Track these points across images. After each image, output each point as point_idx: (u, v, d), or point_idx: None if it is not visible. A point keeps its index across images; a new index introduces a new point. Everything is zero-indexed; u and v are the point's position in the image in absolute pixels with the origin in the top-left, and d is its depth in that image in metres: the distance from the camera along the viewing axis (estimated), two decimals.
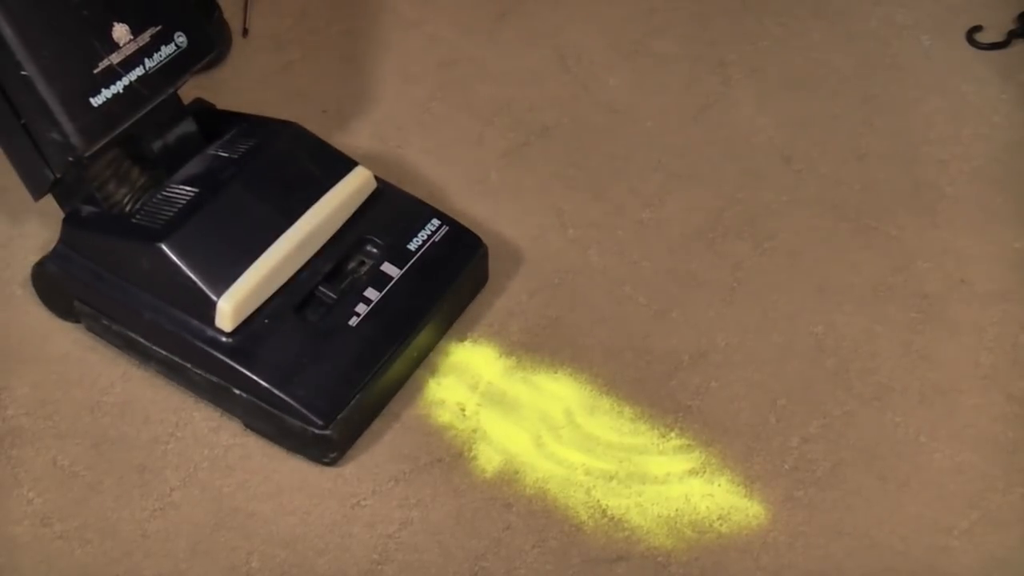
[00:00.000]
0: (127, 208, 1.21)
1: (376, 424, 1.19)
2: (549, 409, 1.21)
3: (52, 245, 1.24)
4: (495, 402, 1.21)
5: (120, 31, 1.15)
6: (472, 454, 1.17)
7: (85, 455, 1.17)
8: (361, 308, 1.18)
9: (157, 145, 1.23)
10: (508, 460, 1.16)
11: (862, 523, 1.11)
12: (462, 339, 1.27)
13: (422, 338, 1.21)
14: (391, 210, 1.27)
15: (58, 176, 1.16)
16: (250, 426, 1.17)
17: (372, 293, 1.19)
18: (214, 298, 1.13)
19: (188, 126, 1.25)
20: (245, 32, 1.62)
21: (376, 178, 1.28)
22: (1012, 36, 1.63)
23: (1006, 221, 1.40)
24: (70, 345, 1.26)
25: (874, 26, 1.69)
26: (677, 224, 1.40)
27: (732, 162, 1.48)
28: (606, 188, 1.44)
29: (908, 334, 1.28)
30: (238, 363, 1.13)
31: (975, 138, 1.51)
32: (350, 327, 1.17)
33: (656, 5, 1.71)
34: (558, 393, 1.22)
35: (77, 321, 1.25)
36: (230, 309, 1.13)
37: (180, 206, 1.18)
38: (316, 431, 1.12)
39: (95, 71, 1.13)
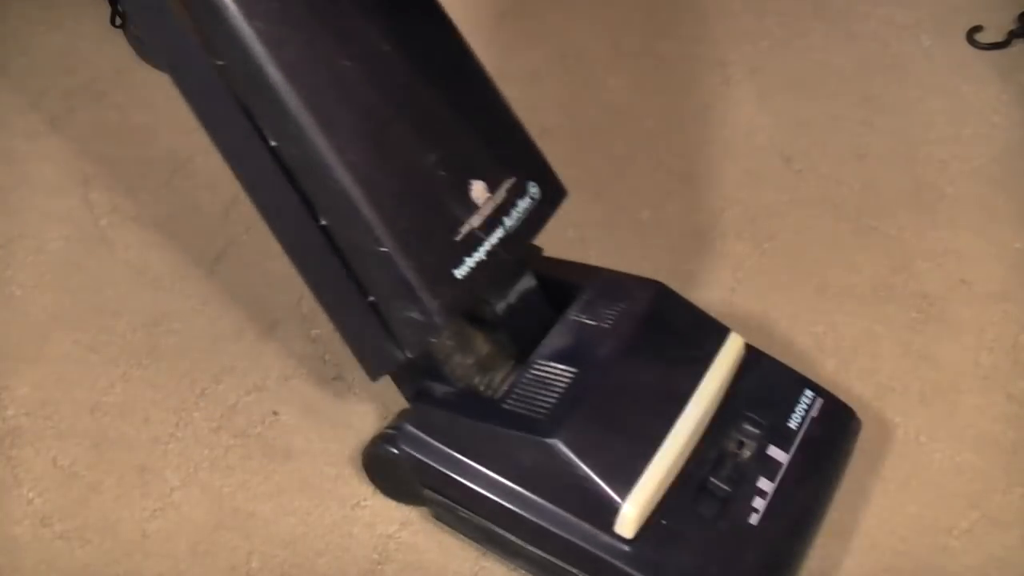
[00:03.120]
0: (478, 383, 1.06)
1: (377, 424, 1.19)
2: None
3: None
4: None
5: (478, 189, 0.99)
6: None
7: (85, 455, 1.17)
8: (758, 502, 1.01)
9: (500, 307, 1.07)
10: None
11: (862, 523, 1.11)
12: None
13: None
14: (764, 381, 1.10)
15: (410, 356, 1.00)
16: None
17: (765, 484, 1.03)
18: (618, 501, 0.95)
19: (528, 282, 1.10)
20: None
21: (750, 349, 1.12)
22: (1012, 36, 1.63)
23: (1006, 221, 1.40)
24: (70, 345, 1.26)
25: (874, 26, 1.69)
26: (677, 224, 1.40)
27: (732, 162, 1.49)
28: (606, 188, 1.44)
29: (908, 334, 1.28)
30: (642, 572, 0.97)
31: (975, 138, 1.52)
32: (752, 526, 1.00)
33: (656, 5, 1.71)
34: None
35: (421, 505, 1.11)
36: (635, 513, 0.95)
37: (560, 390, 1.00)
38: None
39: (456, 238, 0.97)
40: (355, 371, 1.21)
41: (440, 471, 1.03)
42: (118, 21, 1.69)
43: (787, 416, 1.08)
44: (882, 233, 1.39)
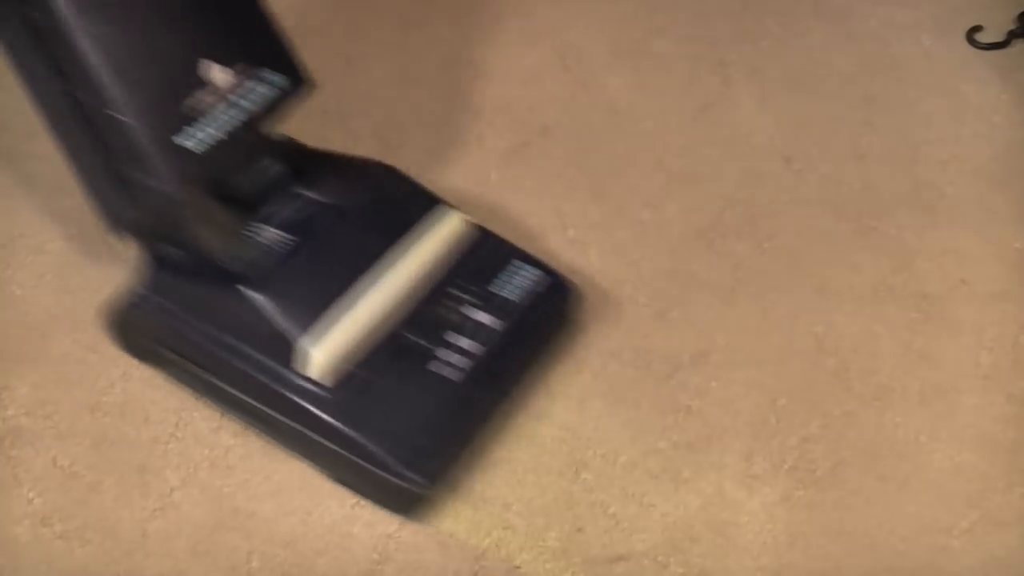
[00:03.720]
0: (213, 251, 1.15)
1: None
2: (548, 410, 1.21)
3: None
4: None
5: (213, 70, 1.08)
6: (471, 453, 1.17)
7: (85, 455, 1.17)
8: (461, 361, 1.13)
9: (242, 184, 1.16)
10: (507, 459, 1.16)
11: (862, 523, 1.11)
12: None
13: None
14: (479, 254, 1.22)
15: (146, 219, 1.12)
16: (337, 478, 1.13)
17: (471, 345, 1.14)
18: (308, 348, 1.08)
19: (274, 164, 1.19)
20: None
21: (472, 226, 1.24)
22: (1012, 36, 1.63)
23: (1006, 221, 1.40)
24: (70, 345, 1.26)
25: (874, 26, 1.69)
26: (677, 224, 1.40)
27: (732, 162, 1.48)
28: (606, 188, 1.45)
29: (908, 334, 1.28)
30: (335, 418, 1.08)
31: (975, 138, 1.52)
32: (453, 382, 1.12)
33: (656, 5, 1.71)
34: (557, 393, 1.22)
35: (153, 363, 1.22)
36: (323, 358, 1.08)
37: (265, 248, 1.13)
38: (416, 490, 1.08)
39: (188, 113, 1.06)
40: None
41: (167, 329, 1.16)
42: None
43: (500, 285, 1.19)
44: (882, 233, 1.39)
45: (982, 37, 1.64)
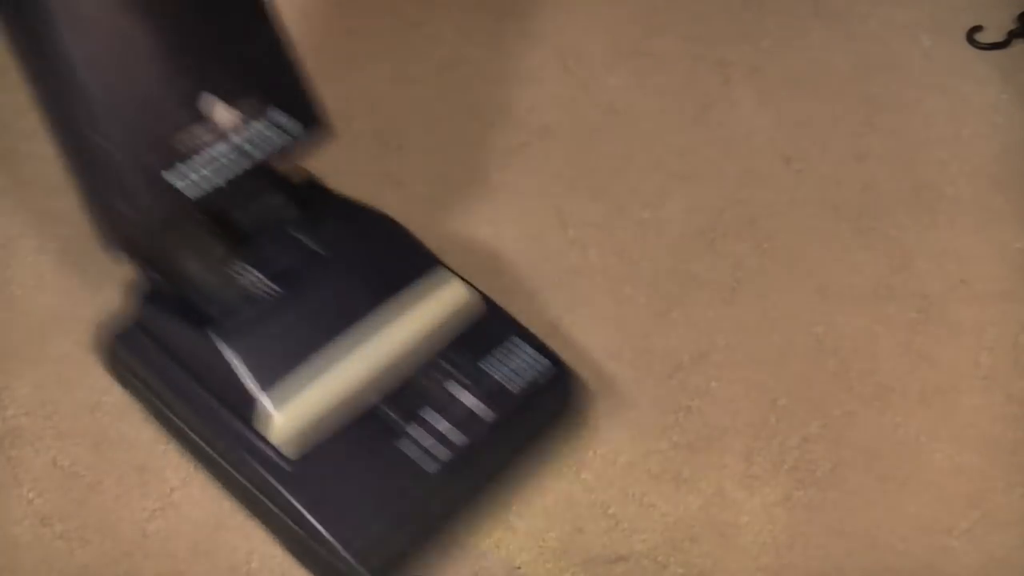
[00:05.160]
0: (193, 286, 1.08)
1: None
2: None
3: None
4: None
5: (213, 105, 1.01)
6: None
7: (85, 455, 1.17)
8: (439, 450, 1.02)
9: (242, 218, 1.09)
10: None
11: (862, 523, 1.11)
12: None
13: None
14: (475, 325, 1.11)
15: (126, 247, 1.06)
16: (286, 548, 1.06)
17: (453, 433, 1.03)
18: (271, 409, 1.00)
19: (279, 202, 1.11)
20: None
21: (474, 294, 1.13)
22: (1012, 36, 1.63)
23: (1006, 221, 1.40)
24: (70, 345, 1.26)
25: (874, 26, 1.69)
26: (677, 224, 1.40)
27: (732, 162, 1.49)
28: (606, 188, 1.45)
29: (908, 334, 1.28)
30: (288, 490, 1.00)
31: (975, 138, 1.52)
32: (426, 472, 1.01)
33: (656, 5, 1.71)
34: None
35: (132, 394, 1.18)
36: (286, 424, 1.00)
37: (246, 294, 1.06)
38: None
39: (177, 146, 1.00)
40: None
41: (146, 366, 1.11)
42: None
43: (495, 366, 1.07)
44: (882, 233, 1.39)
45: (982, 37, 1.64)
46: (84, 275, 1.32)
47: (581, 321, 1.28)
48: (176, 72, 1.00)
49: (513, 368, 1.08)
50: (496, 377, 1.07)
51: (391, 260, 1.12)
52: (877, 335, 1.28)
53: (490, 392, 1.06)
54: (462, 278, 1.13)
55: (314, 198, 1.15)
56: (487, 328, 1.11)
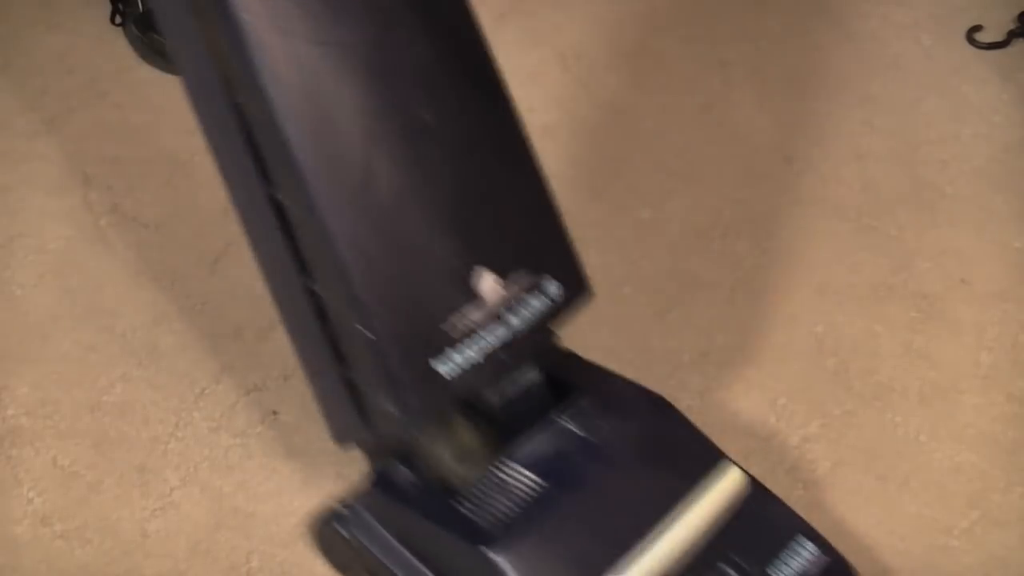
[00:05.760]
0: (452, 480, 0.95)
1: None
2: None
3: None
4: None
5: (487, 282, 0.87)
6: None
7: (85, 455, 1.17)
8: None
9: (497, 400, 0.95)
10: None
11: (862, 523, 1.11)
12: None
13: None
14: (759, 523, 0.97)
15: (376, 437, 0.93)
16: None
17: None
18: None
19: (536, 378, 0.97)
20: None
21: (757, 487, 1.00)
22: (1012, 36, 1.63)
23: (1006, 221, 1.40)
24: (70, 345, 1.26)
25: (874, 26, 1.69)
26: (677, 224, 1.40)
27: (732, 162, 1.48)
28: (606, 187, 1.44)
29: (908, 334, 1.28)
30: None
31: (975, 138, 1.52)
32: None
33: (656, 4, 1.71)
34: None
35: None
36: None
37: (520, 500, 0.91)
38: None
39: (451, 335, 0.86)
40: None
41: (381, 561, 0.97)
42: (118, 20, 1.69)
43: (782, 569, 0.95)
44: (882, 233, 1.39)
45: (982, 37, 1.64)
46: (84, 275, 1.32)
47: (581, 321, 1.28)
48: (447, 246, 0.86)
49: (797, 569, 0.96)
50: (771, 569, 0.95)
51: (667, 448, 0.99)
52: (877, 335, 1.28)
53: None
54: (743, 469, 0.99)
55: (574, 374, 1.02)
56: (774, 524, 0.98)
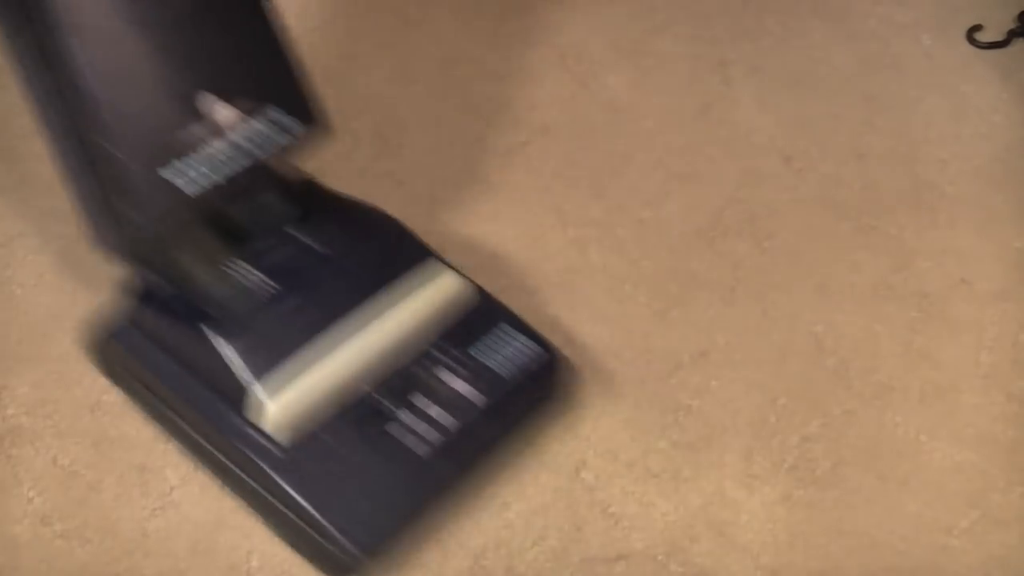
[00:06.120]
0: (190, 283, 1.11)
1: None
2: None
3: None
4: None
5: (208, 102, 1.02)
6: None
7: (85, 454, 1.17)
8: (430, 433, 1.05)
9: (240, 217, 1.11)
10: (506, 458, 1.16)
11: (862, 523, 1.11)
12: None
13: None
14: (467, 314, 1.14)
15: (121, 246, 1.08)
16: (276, 533, 1.09)
17: (444, 417, 1.06)
18: (263, 398, 1.03)
19: (276, 200, 1.14)
20: None
21: (466, 284, 1.16)
22: (1012, 35, 1.63)
23: (1006, 221, 1.40)
24: (70, 345, 1.26)
25: (874, 26, 1.69)
26: (677, 223, 1.40)
27: (732, 161, 1.49)
28: (606, 187, 1.45)
29: (908, 334, 1.28)
30: (279, 475, 1.03)
31: (975, 137, 1.52)
32: (416, 455, 1.04)
33: (656, 4, 1.71)
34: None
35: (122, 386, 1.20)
36: (278, 413, 1.03)
37: (243, 290, 1.08)
38: (350, 561, 1.03)
39: (174, 142, 1.01)
40: None
41: (140, 364, 1.13)
42: None
43: (486, 353, 1.10)
44: (882, 232, 1.39)
45: (982, 36, 1.64)
46: (83, 275, 1.32)
47: (581, 320, 1.28)
48: (174, 71, 1.01)
49: (504, 354, 1.11)
50: (486, 363, 1.10)
51: (385, 253, 1.15)
52: (877, 334, 1.28)
53: (480, 377, 1.09)
54: (455, 268, 1.16)
55: (311, 196, 1.17)
56: (478, 317, 1.14)
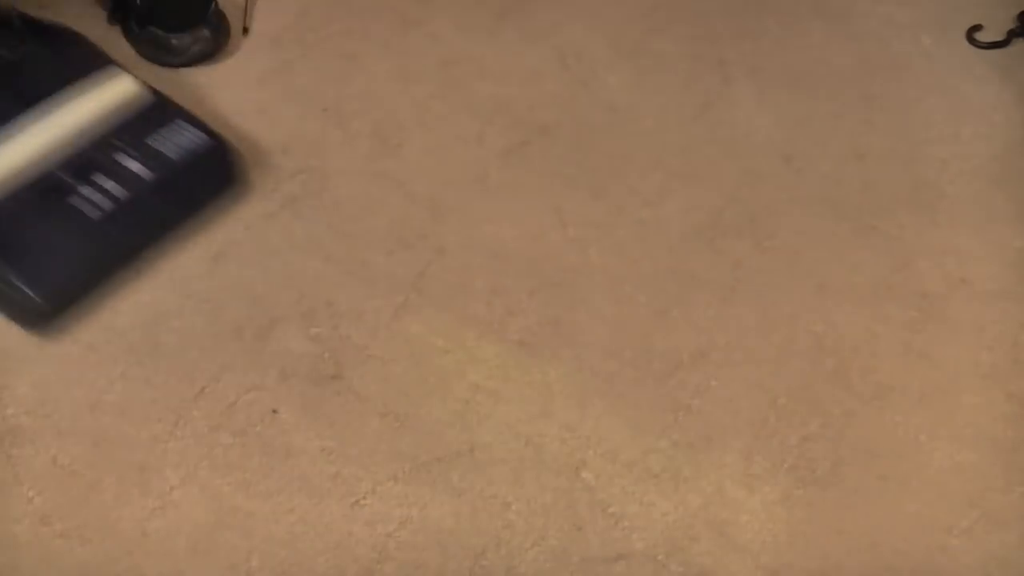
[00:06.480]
0: None
1: (376, 423, 1.19)
2: (548, 408, 1.21)
3: None
4: (495, 399, 1.22)
5: None
6: (471, 452, 1.17)
7: (85, 454, 1.17)
8: (103, 202, 1.26)
9: None
10: (507, 458, 1.16)
11: (862, 523, 1.11)
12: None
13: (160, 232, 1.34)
14: (146, 112, 1.36)
15: None
16: None
17: (116, 189, 1.27)
18: None
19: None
20: (245, 31, 1.62)
21: (143, 87, 1.37)
22: (1012, 35, 1.63)
23: (1006, 220, 1.40)
24: (70, 345, 1.26)
25: (874, 26, 1.69)
26: (677, 223, 1.40)
27: (732, 161, 1.49)
28: (606, 187, 1.45)
29: (908, 334, 1.28)
30: None
31: (975, 137, 1.52)
32: (90, 219, 1.25)
33: (656, 4, 1.71)
34: (557, 392, 1.22)
35: None
36: None
37: None
38: (38, 307, 1.22)
39: None
40: (354, 369, 1.22)
41: None
42: (118, 15, 1.68)
43: (160, 141, 1.32)
44: (882, 232, 1.39)
45: (982, 36, 1.64)
46: None
47: (581, 320, 1.28)
48: None
49: (175, 142, 1.33)
50: (159, 148, 1.32)
51: (68, 60, 1.38)
52: (877, 334, 1.28)
53: (152, 159, 1.31)
54: (134, 75, 1.38)
55: (15, 25, 1.40)
56: (157, 113, 1.36)
